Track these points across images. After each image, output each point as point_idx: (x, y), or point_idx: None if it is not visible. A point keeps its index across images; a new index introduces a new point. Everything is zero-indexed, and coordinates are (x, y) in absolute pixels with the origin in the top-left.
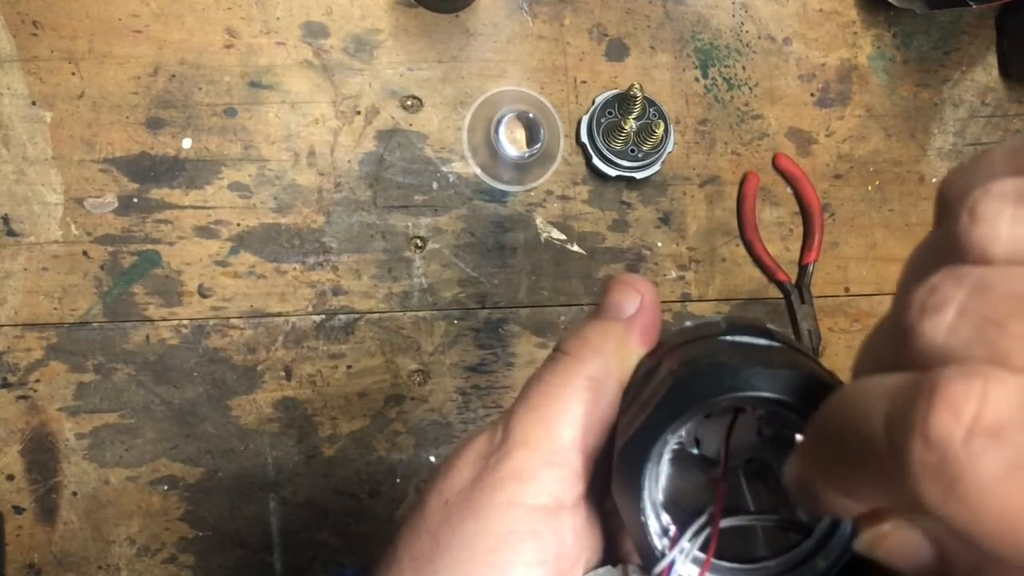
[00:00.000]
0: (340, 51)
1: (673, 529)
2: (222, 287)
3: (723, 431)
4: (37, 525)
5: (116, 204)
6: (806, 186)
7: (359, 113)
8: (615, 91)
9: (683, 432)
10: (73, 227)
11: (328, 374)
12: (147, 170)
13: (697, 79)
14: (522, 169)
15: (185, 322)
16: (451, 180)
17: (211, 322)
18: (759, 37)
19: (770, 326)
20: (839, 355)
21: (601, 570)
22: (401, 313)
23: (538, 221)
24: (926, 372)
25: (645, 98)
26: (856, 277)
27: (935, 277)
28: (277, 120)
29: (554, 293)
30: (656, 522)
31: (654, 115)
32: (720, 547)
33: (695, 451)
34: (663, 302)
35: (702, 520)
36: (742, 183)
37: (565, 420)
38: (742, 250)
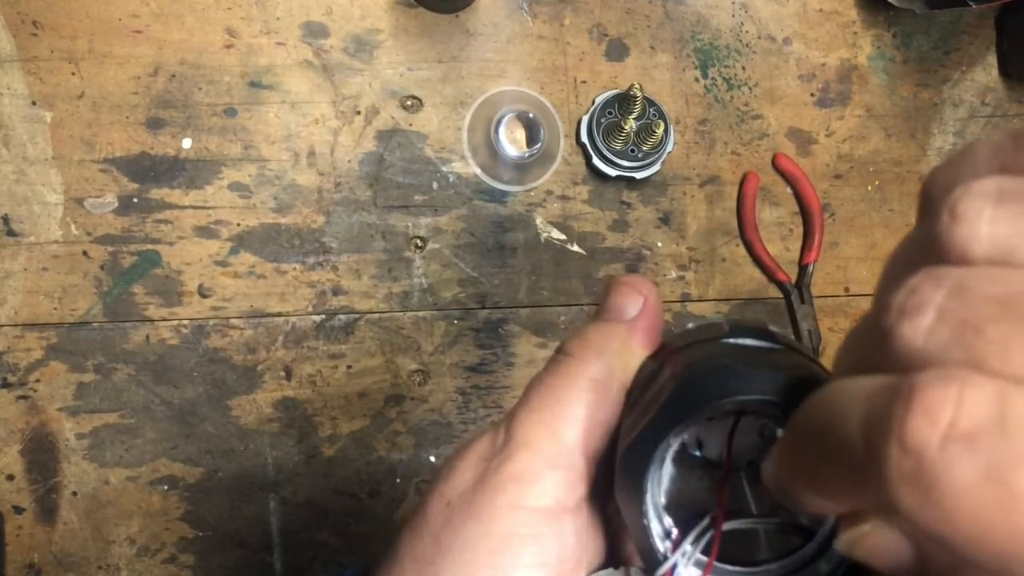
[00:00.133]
0: (340, 51)
1: (675, 532)
2: (222, 287)
3: (726, 433)
4: (37, 525)
5: (116, 204)
6: (806, 186)
7: (359, 113)
8: (615, 91)
9: (686, 435)
10: (73, 227)
11: (328, 374)
12: (147, 170)
13: (697, 79)
14: (522, 169)
15: (185, 322)
16: (451, 180)
17: (211, 322)
18: (759, 37)
19: (772, 328)
20: None
21: (603, 572)
22: (401, 313)
23: (538, 221)
24: (904, 375)
25: (645, 98)
26: (856, 277)
27: (915, 278)
28: (277, 120)
29: (554, 293)
30: (658, 525)
31: (654, 115)
32: (722, 550)
33: (698, 453)
34: (663, 302)
35: (704, 523)
36: (742, 183)
37: (567, 422)
38: (742, 250)
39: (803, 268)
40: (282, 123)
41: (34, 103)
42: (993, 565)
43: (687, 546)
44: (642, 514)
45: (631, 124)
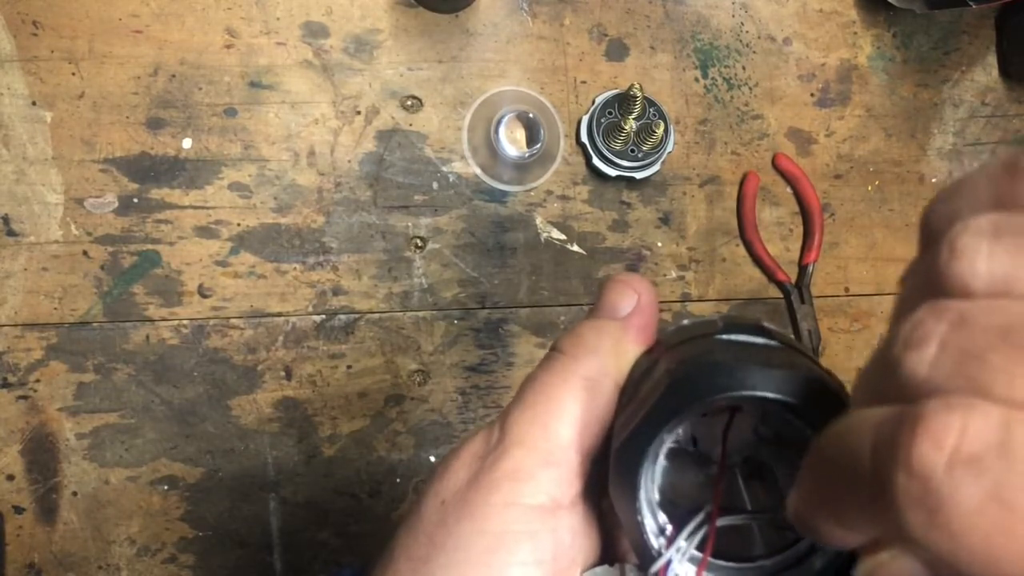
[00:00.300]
0: (340, 51)
1: (670, 528)
2: (222, 287)
3: (720, 430)
4: (37, 525)
5: (116, 204)
6: (806, 186)
7: (359, 113)
8: (615, 91)
9: (680, 431)
10: (73, 227)
11: (328, 374)
12: (147, 170)
13: (697, 79)
14: (522, 169)
15: (185, 322)
16: (451, 180)
17: (211, 322)
18: (759, 37)
19: (767, 325)
20: (839, 355)
21: (598, 569)
22: (401, 313)
23: (538, 221)
24: (910, 404)
25: (645, 98)
26: (856, 277)
27: (919, 312)
28: (277, 120)
29: (554, 293)
30: (653, 521)
31: (654, 115)
32: (717, 546)
33: (692, 449)
34: (663, 302)
35: (699, 519)
36: (742, 183)
37: (562, 419)
38: (742, 250)
39: (803, 268)
40: (282, 123)
41: (34, 103)
42: None
43: (682, 542)
44: (636, 511)
45: (631, 124)
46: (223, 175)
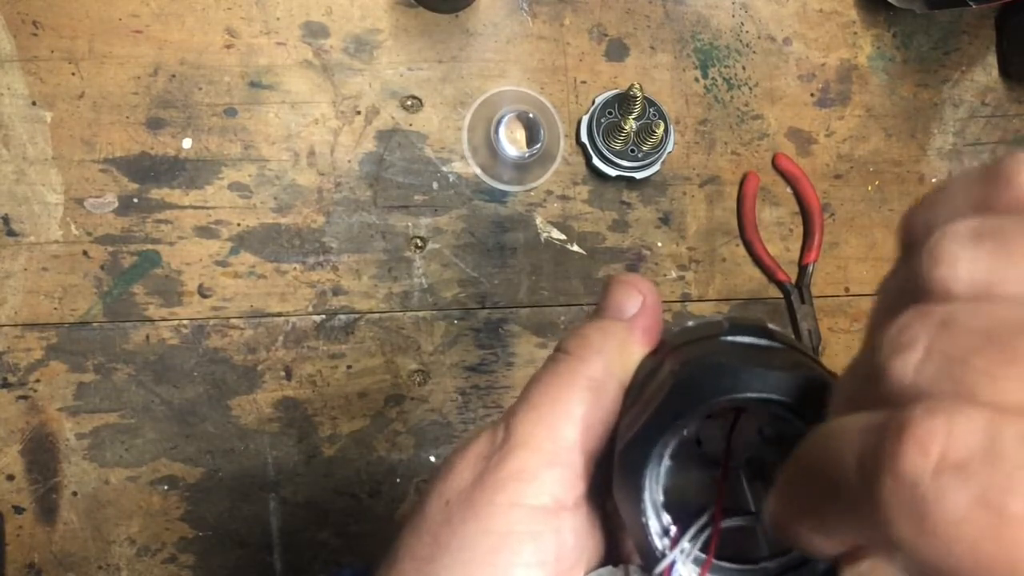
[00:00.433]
0: (340, 51)
1: (674, 529)
2: (222, 287)
3: (724, 431)
4: (37, 525)
5: (116, 204)
6: (806, 186)
7: (359, 113)
8: (615, 91)
9: (684, 432)
10: (73, 227)
11: (328, 374)
12: (147, 170)
13: (697, 79)
14: (522, 169)
15: (185, 322)
16: (451, 180)
17: (211, 322)
18: (759, 37)
19: (771, 326)
20: (839, 355)
21: (602, 570)
22: (401, 313)
23: (538, 221)
24: (896, 410)
25: (645, 98)
26: (856, 277)
27: (903, 317)
28: (277, 120)
29: (554, 293)
30: (657, 522)
31: (654, 115)
32: (721, 547)
33: (696, 451)
34: (663, 302)
35: (703, 520)
36: (742, 183)
37: (566, 420)
38: (742, 250)
39: (803, 268)
40: (282, 123)
41: (34, 103)
42: None
43: (685, 543)
44: (640, 512)
45: (631, 124)
46: (223, 175)
